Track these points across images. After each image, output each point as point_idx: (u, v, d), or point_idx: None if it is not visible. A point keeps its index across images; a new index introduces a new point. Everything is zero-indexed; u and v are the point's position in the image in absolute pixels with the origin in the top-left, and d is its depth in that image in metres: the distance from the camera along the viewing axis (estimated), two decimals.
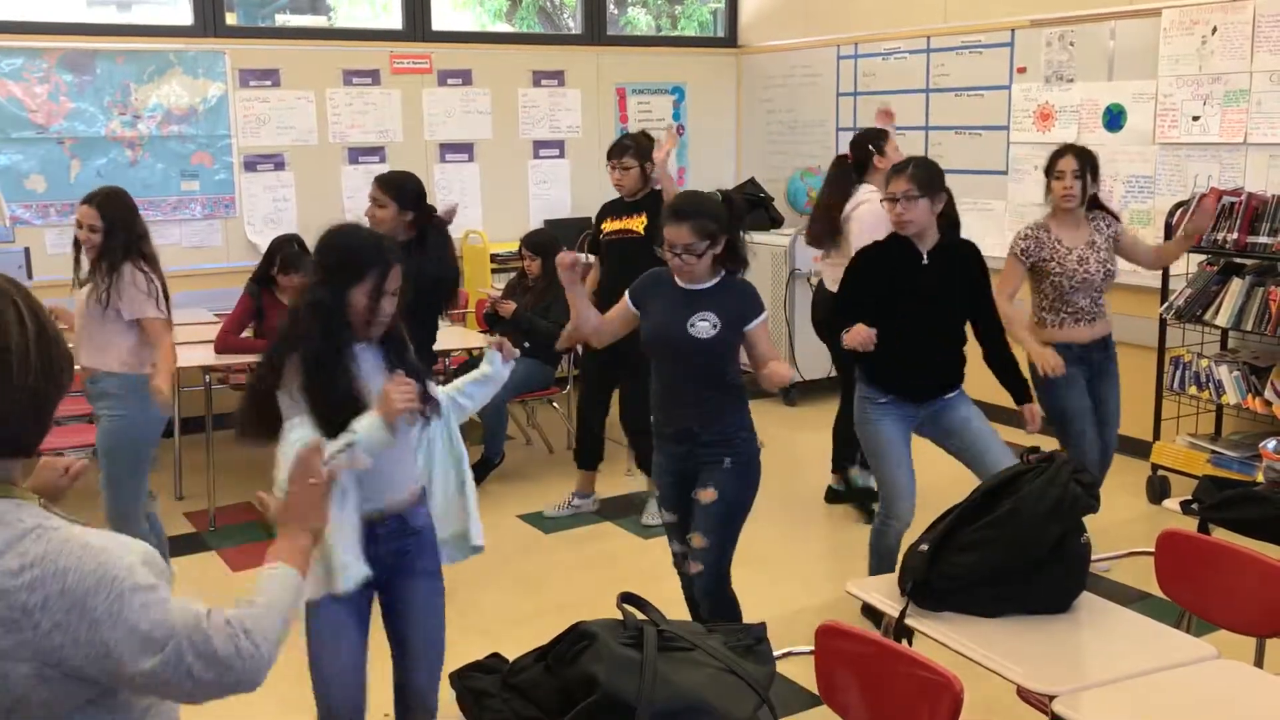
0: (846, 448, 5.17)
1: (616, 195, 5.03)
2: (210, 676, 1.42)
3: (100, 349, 3.92)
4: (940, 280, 3.70)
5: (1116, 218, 4.43)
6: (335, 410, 2.45)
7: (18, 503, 1.43)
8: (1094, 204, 4.36)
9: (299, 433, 2.43)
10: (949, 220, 3.76)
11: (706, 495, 3.24)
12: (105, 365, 3.93)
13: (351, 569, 2.48)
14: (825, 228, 5.04)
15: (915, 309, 3.70)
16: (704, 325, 3.18)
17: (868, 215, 4.64)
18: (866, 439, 3.83)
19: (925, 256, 3.70)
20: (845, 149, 5.22)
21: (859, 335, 3.52)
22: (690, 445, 3.27)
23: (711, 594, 3.30)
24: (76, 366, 3.84)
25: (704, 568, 3.27)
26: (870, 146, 4.96)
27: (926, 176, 3.65)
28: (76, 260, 4.06)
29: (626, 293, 3.41)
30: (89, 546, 1.40)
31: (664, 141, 4.91)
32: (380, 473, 2.53)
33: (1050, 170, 4.27)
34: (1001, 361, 3.84)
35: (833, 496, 5.34)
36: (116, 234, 3.90)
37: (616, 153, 4.93)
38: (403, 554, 2.66)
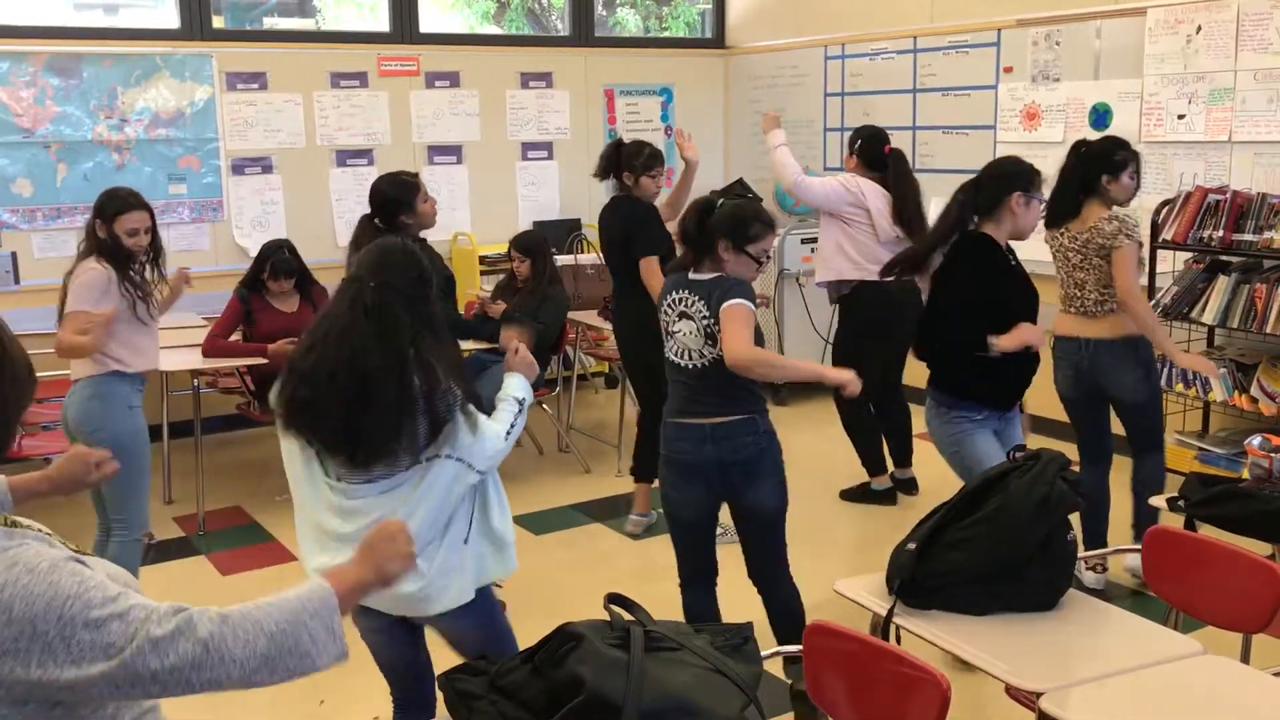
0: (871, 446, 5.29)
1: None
2: (165, 678, 1.42)
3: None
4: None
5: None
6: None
7: None
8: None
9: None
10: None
11: None
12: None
13: (512, 546, 2.81)
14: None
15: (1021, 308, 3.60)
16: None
17: None
18: (971, 457, 3.59)
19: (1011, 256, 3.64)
20: (845, 148, 5.30)
21: (1023, 334, 3.47)
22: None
23: None
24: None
25: None
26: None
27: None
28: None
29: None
30: (38, 567, 1.40)
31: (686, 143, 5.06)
32: None
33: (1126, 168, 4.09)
34: None
35: (866, 495, 5.39)
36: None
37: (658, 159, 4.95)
38: None
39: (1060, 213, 4.11)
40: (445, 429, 2.52)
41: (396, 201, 4.50)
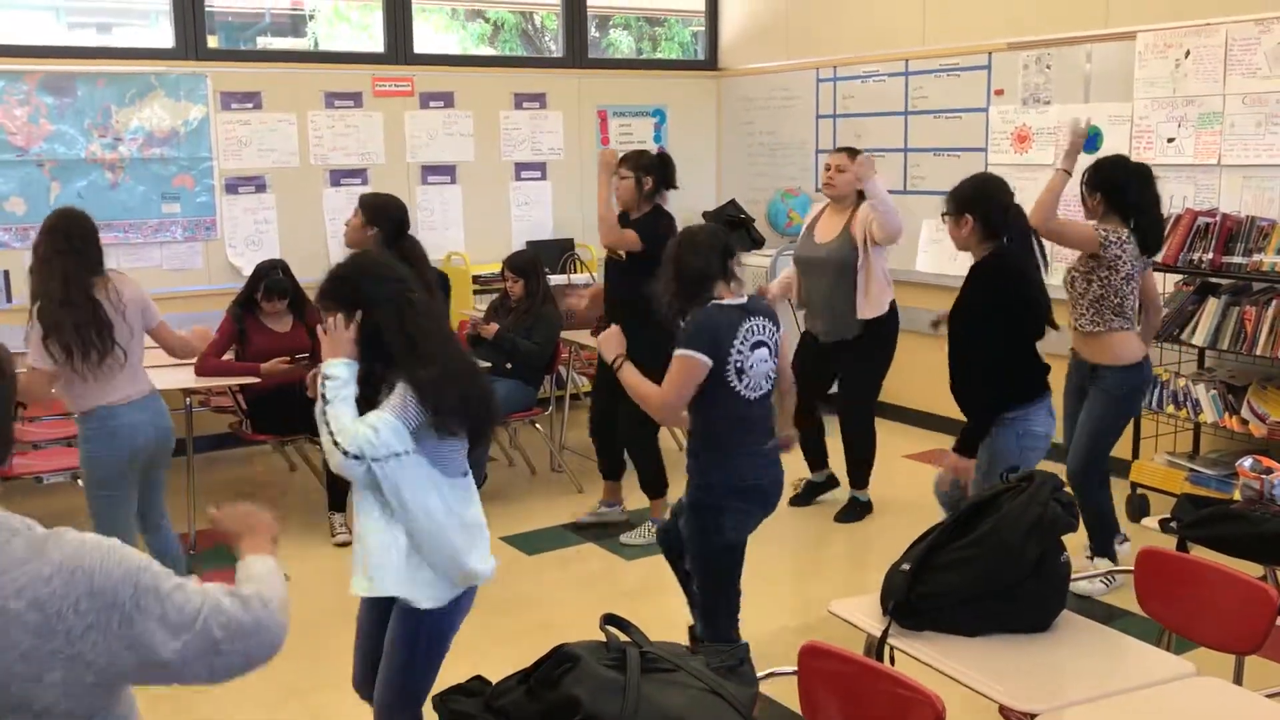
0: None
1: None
2: (236, 646, 1.49)
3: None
4: (957, 301, 3.73)
5: (1118, 244, 4.18)
6: None
7: (6, 512, 1.45)
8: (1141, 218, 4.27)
9: None
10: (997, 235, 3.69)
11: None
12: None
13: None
14: None
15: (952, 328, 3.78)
16: None
17: None
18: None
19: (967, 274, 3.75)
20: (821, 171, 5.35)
21: None
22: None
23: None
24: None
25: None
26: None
27: (952, 196, 3.73)
28: None
29: None
30: (102, 544, 1.44)
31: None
32: None
33: None
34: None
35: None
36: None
37: (619, 161, 4.97)
38: None
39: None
40: None
41: (403, 223, 4.93)
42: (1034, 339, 3.68)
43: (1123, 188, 4.25)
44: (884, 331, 5.23)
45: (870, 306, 5.14)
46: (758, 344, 3.22)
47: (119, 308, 3.80)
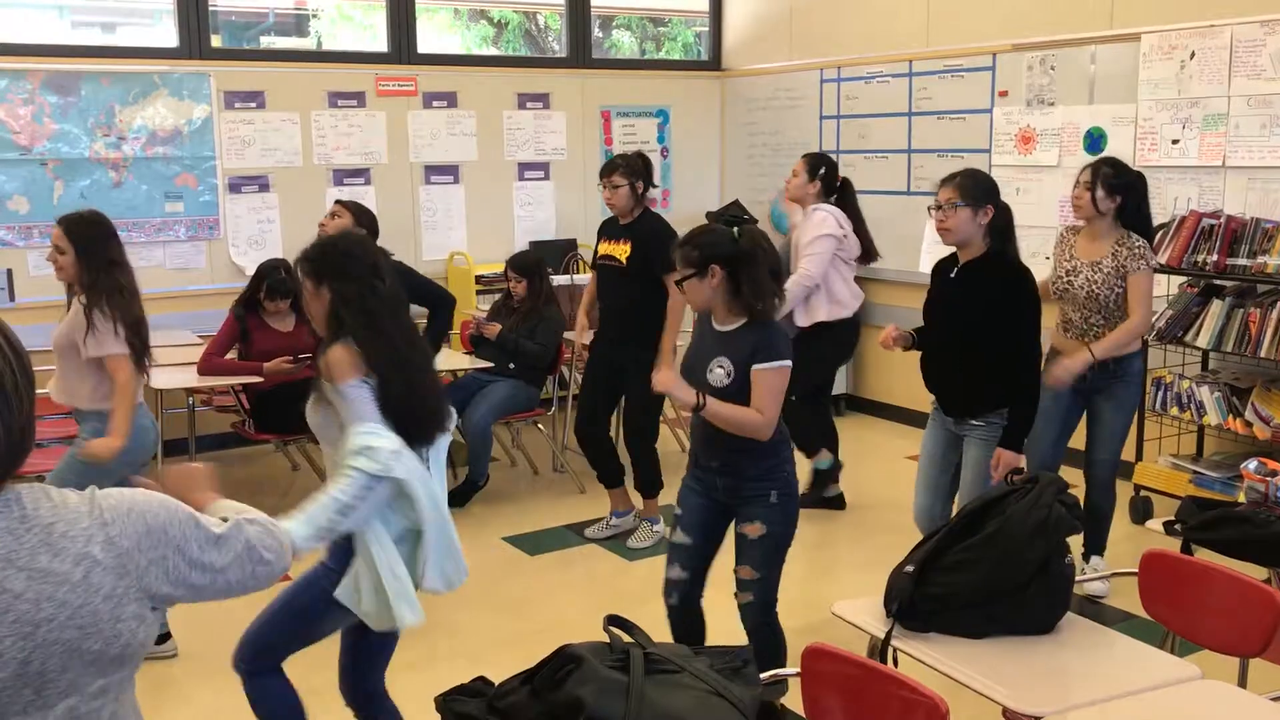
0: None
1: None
2: (272, 556, 1.66)
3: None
4: (963, 296, 3.70)
5: (1145, 253, 4.17)
6: None
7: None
8: (1141, 228, 4.26)
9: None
10: (1000, 236, 3.69)
11: (754, 530, 3.18)
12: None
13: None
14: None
15: (938, 320, 3.82)
16: (719, 373, 3.10)
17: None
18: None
19: (955, 270, 3.73)
20: (804, 173, 5.42)
21: (883, 333, 3.86)
22: (734, 479, 3.20)
23: (759, 626, 3.27)
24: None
25: (753, 598, 3.24)
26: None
27: (972, 185, 3.67)
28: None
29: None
30: (135, 491, 1.57)
31: None
32: None
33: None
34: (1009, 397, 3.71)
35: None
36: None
37: (606, 170, 4.94)
38: None
39: None
40: None
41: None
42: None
43: (1143, 196, 4.29)
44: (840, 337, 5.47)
45: (835, 308, 5.34)
46: None
47: None
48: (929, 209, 3.77)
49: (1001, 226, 3.67)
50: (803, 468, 5.58)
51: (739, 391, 3.08)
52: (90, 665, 1.45)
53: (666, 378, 3.13)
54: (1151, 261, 4.18)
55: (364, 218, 5.20)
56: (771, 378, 3.06)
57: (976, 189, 3.65)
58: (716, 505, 3.27)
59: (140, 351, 3.80)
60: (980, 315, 3.63)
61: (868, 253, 5.38)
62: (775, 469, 3.20)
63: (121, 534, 1.48)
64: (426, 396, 2.73)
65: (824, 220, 5.21)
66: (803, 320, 5.25)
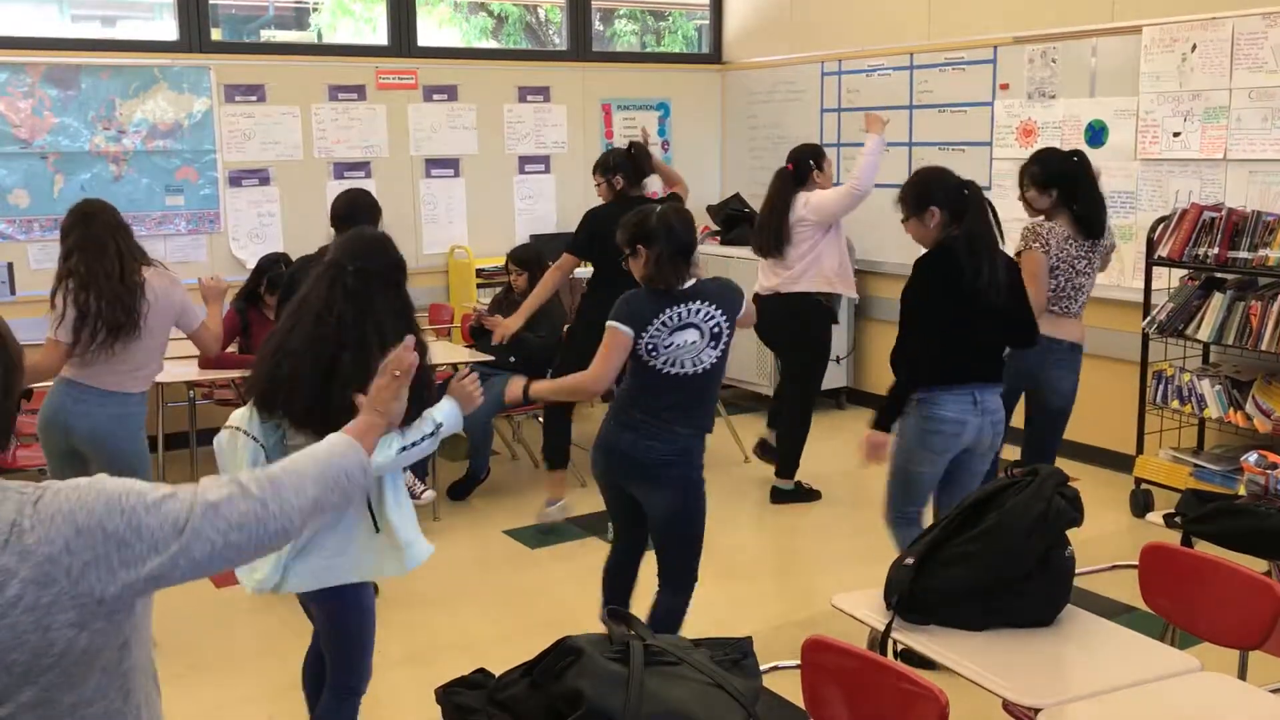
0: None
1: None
2: (236, 538, 1.51)
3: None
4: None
5: (1031, 236, 4.38)
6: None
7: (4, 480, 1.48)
8: (1090, 212, 4.38)
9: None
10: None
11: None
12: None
13: (417, 545, 2.78)
14: (773, 238, 5.38)
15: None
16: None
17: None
18: None
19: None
20: (809, 165, 5.46)
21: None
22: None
23: None
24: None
25: None
26: (811, 161, 5.41)
27: (910, 195, 3.67)
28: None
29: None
30: (81, 484, 1.46)
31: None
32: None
33: None
34: None
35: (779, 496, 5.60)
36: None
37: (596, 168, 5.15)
38: None
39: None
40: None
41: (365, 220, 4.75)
42: (965, 326, 3.57)
43: (1080, 181, 4.35)
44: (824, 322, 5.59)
45: (824, 282, 5.44)
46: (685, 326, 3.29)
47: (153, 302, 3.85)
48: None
49: (960, 211, 3.60)
50: (808, 465, 5.59)
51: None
52: (20, 677, 1.39)
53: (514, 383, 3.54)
54: (1034, 244, 4.30)
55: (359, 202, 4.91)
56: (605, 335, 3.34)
57: (913, 198, 3.65)
58: None
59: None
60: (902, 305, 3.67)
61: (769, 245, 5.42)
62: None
63: (42, 541, 1.40)
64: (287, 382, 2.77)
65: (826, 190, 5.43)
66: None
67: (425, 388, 2.74)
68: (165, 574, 1.47)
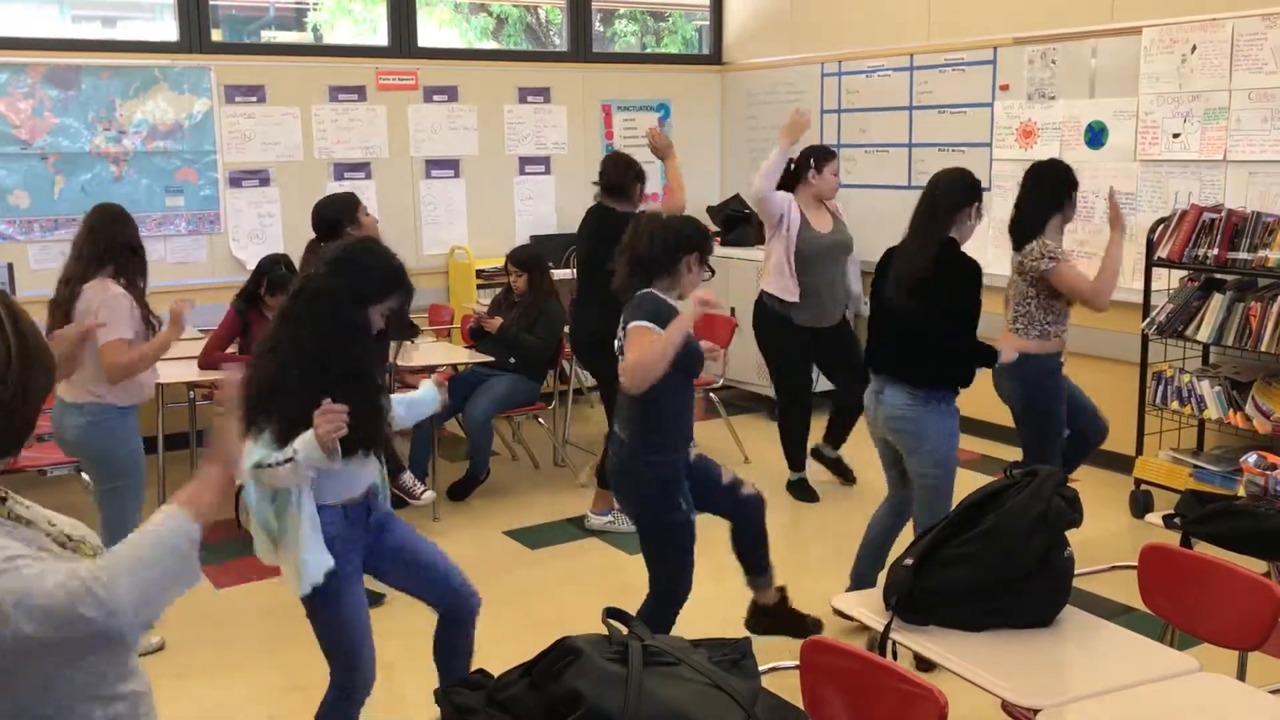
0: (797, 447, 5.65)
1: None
2: (49, 632, 1.46)
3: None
4: (943, 279, 3.93)
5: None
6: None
7: None
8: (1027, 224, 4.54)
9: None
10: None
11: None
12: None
13: (312, 565, 2.74)
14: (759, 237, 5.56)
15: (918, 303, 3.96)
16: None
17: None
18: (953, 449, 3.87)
19: None
20: (808, 168, 5.55)
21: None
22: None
23: None
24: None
25: None
26: (812, 161, 5.49)
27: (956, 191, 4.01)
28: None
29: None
30: None
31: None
32: (338, 475, 2.77)
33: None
34: None
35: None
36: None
37: None
38: (375, 524, 2.97)
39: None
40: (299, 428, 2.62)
41: (335, 222, 4.85)
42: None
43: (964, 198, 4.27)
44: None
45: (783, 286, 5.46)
46: None
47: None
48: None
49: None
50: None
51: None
52: None
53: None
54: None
55: (316, 222, 5.04)
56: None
57: (959, 193, 4.00)
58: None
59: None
60: (941, 297, 3.92)
61: None
62: None
63: None
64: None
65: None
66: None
67: (369, 420, 2.72)
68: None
